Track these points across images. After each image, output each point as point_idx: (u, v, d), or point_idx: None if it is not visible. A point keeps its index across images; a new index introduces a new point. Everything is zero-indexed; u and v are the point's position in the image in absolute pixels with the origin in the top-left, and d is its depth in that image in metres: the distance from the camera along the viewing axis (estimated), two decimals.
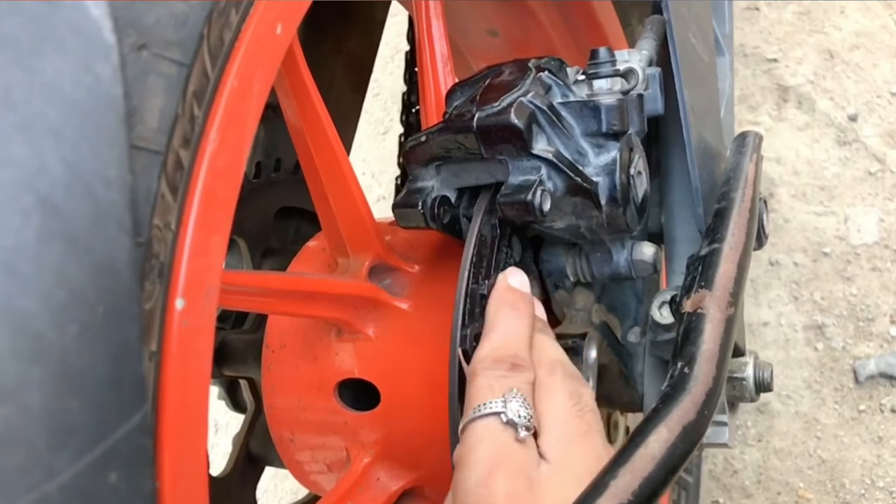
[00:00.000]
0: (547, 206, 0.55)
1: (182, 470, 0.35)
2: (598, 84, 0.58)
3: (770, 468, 1.31)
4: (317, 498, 0.90)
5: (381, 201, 1.53)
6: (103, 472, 0.25)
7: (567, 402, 0.51)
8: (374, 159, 1.67)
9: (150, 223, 0.32)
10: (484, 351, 0.53)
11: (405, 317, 0.65)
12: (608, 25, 0.93)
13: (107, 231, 0.26)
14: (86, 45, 0.26)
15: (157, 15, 0.32)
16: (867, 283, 1.38)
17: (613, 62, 0.59)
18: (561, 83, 0.58)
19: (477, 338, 0.55)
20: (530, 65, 0.59)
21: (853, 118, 1.48)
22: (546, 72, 0.58)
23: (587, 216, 0.57)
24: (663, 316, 0.62)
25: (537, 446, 0.48)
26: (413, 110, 1.01)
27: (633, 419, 0.95)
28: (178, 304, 0.36)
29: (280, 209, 0.91)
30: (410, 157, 0.61)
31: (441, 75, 0.76)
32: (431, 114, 0.75)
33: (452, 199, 0.61)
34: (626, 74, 0.59)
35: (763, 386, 0.65)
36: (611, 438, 0.80)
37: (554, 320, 0.65)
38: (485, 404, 0.48)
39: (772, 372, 0.65)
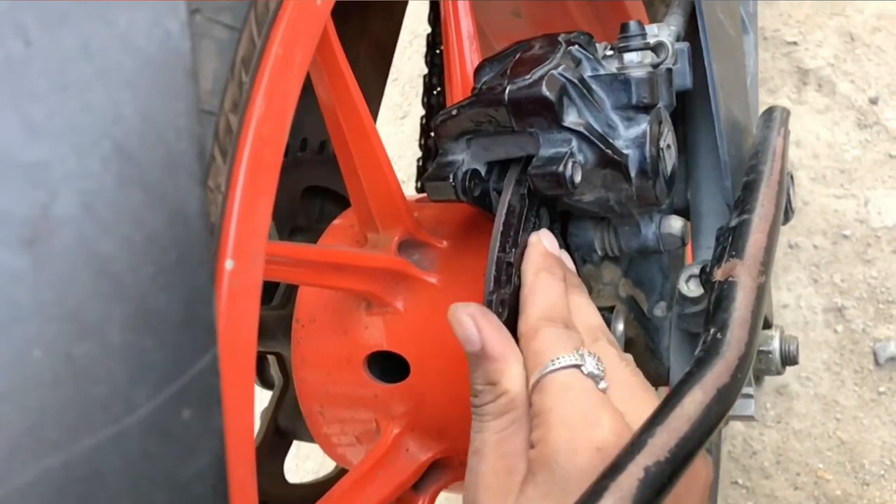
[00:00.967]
0: (578, 178, 0.56)
1: (230, 435, 0.36)
2: (629, 57, 0.59)
3: (789, 449, 1.32)
4: (342, 473, 0.92)
5: (401, 184, 1.54)
6: (178, 407, 0.26)
7: (620, 363, 0.52)
8: (392, 143, 1.68)
9: (206, 183, 0.33)
10: (535, 312, 0.53)
11: (434, 290, 0.66)
12: (632, 6, 0.94)
13: (178, 179, 0.27)
14: (156, 1, 0.27)
15: None
16: (887, 266, 1.38)
17: (643, 36, 0.59)
18: (591, 57, 0.59)
19: (503, 303, 0.55)
20: (560, 39, 0.60)
21: (874, 101, 1.48)
22: (576, 46, 0.59)
23: (617, 189, 0.58)
24: (691, 289, 0.62)
25: None
26: (434, 92, 1.02)
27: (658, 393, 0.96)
28: (228, 265, 0.37)
29: (306, 188, 0.92)
30: (441, 130, 0.62)
31: (467, 54, 0.76)
32: (457, 93, 0.75)
33: (483, 173, 0.62)
34: (656, 48, 0.59)
35: (789, 359, 0.66)
36: None
37: None
38: (560, 357, 0.49)
39: (798, 345, 0.66)
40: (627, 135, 0.58)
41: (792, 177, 0.66)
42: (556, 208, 0.63)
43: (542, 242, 0.57)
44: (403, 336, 0.66)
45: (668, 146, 0.60)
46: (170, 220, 0.26)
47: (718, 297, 0.50)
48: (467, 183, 0.60)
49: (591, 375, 0.49)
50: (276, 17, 0.40)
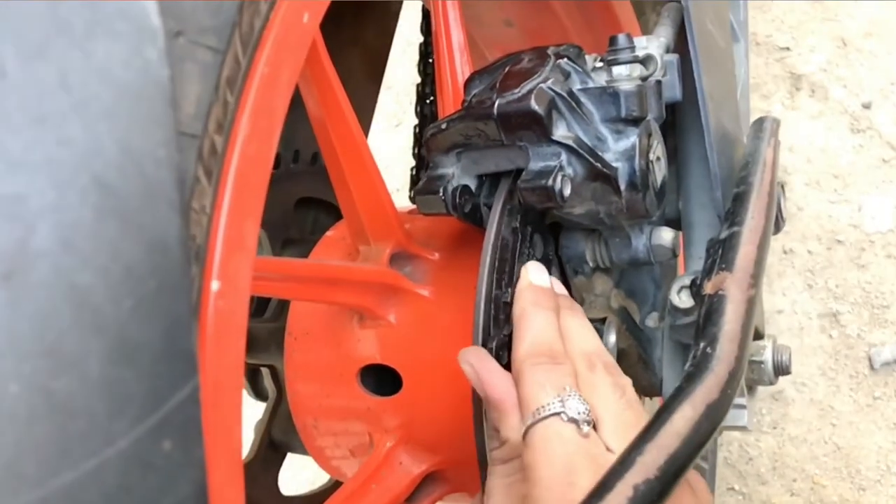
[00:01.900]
0: (567, 192, 0.56)
1: (217, 452, 0.36)
2: (617, 70, 0.59)
3: (785, 455, 1.32)
4: (338, 484, 0.92)
5: (394, 193, 1.54)
6: (158, 439, 0.26)
7: (614, 394, 0.51)
8: (386, 152, 1.68)
9: (189, 206, 0.33)
10: (521, 352, 0.53)
11: (426, 303, 0.66)
12: (623, 15, 0.94)
13: (158, 209, 0.27)
14: (135, 29, 0.27)
15: (194, 3, 0.33)
16: (882, 271, 1.38)
17: (632, 48, 0.59)
18: (580, 70, 0.59)
19: (503, 347, 0.55)
20: (549, 52, 0.60)
21: (867, 106, 1.48)
22: (565, 59, 0.59)
23: (607, 201, 0.58)
24: (682, 300, 0.62)
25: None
26: (427, 101, 1.02)
27: (649, 404, 0.96)
28: (214, 286, 0.37)
29: (299, 200, 0.92)
30: (431, 144, 0.62)
31: (458, 65, 0.76)
32: (448, 103, 0.75)
33: (473, 188, 0.62)
34: (645, 61, 0.59)
35: (782, 369, 0.66)
36: None
37: None
38: (543, 406, 0.49)
39: (790, 355, 0.66)
40: (617, 148, 0.58)
41: (783, 187, 0.66)
42: (548, 232, 0.63)
43: (528, 276, 0.57)
44: (396, 349, 0.66)
45: (658, 158, 0.60)
46: (149, 251, 0.26)
47: (708, 310, 0.50)
48: (457, 199, 0.60)
49: (572, 421, 0.48)
50: (261, 37, 0.40)
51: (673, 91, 0.62)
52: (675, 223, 0.70)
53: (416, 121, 1.02)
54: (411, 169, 1.05)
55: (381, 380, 0.67)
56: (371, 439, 0.68)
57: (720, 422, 0.44)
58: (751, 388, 0.66)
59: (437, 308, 0.65)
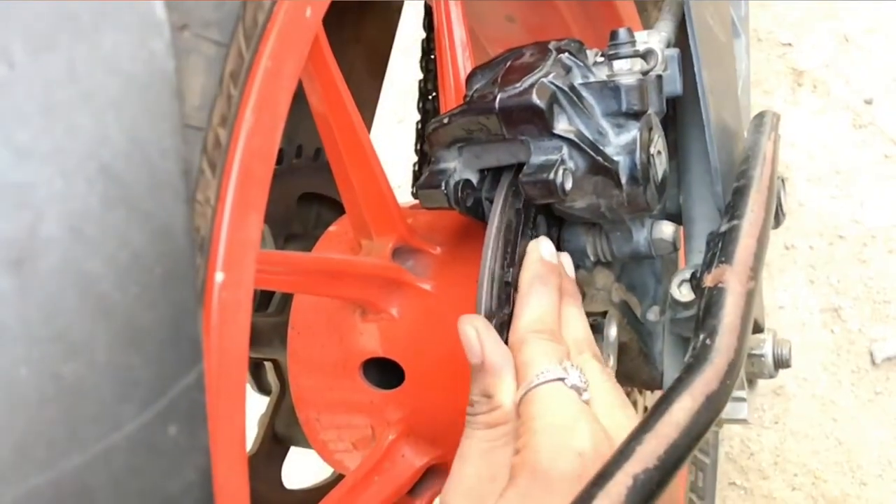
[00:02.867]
0: (569, 185, 0.56)
1: (221, 441, 0.37)
2: (618, 65, 0.59)
3: (787, 450, 1.32)
4: (341, 478, 0.92)
5: (397, 189, 1.54)
6: (164, 424, 0.26)
7: (601, 375, 0.53)
8: (389, 148, 1.68)
9: (193, 197, 0.33)
10: (525, 322, 0.55)
11: (428, 297, 0.66)
12: (624, 10, 0.94)
13: (163, 198, 0.27)
14: (141, 21, 0.27)
15: None
16: (883, 266, 1.38)
17: (633, 43, 0.60)
18: (581, 64, 0.59)
19: (503, 325, 0.56)
20: (551, 47, 0.60)
21: (869, 102, 1.48)
22: (566, 53, 0.59)
23: (608, 195, 0.58)
24: (683, 294, 0.63)
25: None
26: (430, 97, 1.02)
27: (651, 398, 0.96)
28: (218, 277, 0.37)
29: (301, 195, 0.93)
30: (433, 139, 0.62)
31: (460, 60, 0.77)
32: (450, 99, 0.76)
33: (475, 182, 0.62)
34: (646, 55, 0.60)
35: (782, 362, 0.66)
36: None
37: None
38: (546, 371, 0.50)
39: (790, 349, 0.66)
40: (618, 142, 0.58)
41: (783, 181, 0.66)
42: (552, 216, 0.64)
43: (539, 250, 0.58)
44: (398, 343, 0.66)
45: (659, 152, 0.60)
46: (155, 239, 0.27)
47: (708, 303, 0.50)
48: (459, 193, 0.60)
49: (574, 387, 0.50)
50: (264, 31, 0.41)
51: (673, 85, 0.62)
52: (676, 217, 0.71)
53: (418, 117, 1.03)
54: (414, 164, 1.06)
55: (384, 373, 0.67)
56: (373, 432, 0.68)
57: (719, 413, 0.44)
58: (751, 382, 0.66)
59: (439, 302, 0.66)
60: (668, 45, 0.63)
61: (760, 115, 0.68)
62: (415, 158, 1.05)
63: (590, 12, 0.93)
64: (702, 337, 0.48)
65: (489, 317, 0.55)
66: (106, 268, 0.25)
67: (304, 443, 0.82)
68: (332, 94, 0.60)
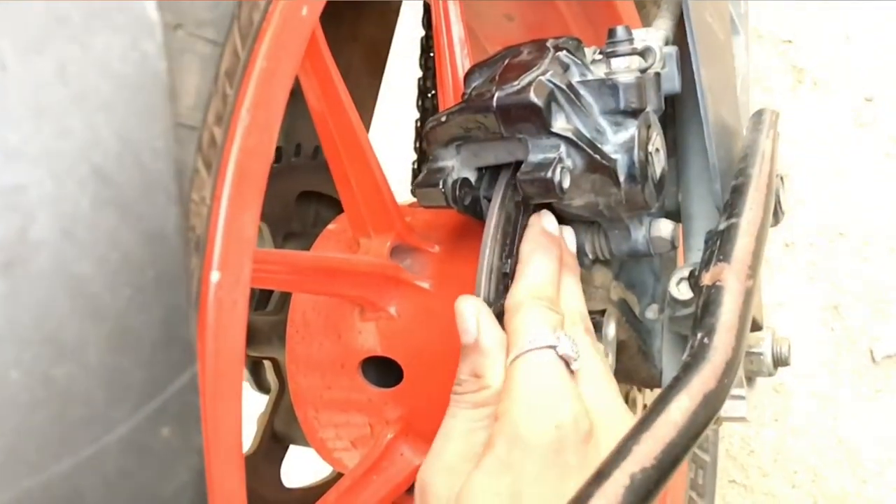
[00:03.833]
0: (567, 184, 0.56)
1: (217, 442, 0.37)
2: (616, 62, 0.59)
3: (787, 447, 1.32)
4: (339, 476, 0.92)
5: (396, 186, 1.54)
6: (157, 426, 0.26)
7: (591, 349, 0.54)
8: (387, 146, 1.68)
9: (188, 197, 0.33)
10: (523, 287, 0.55)
11: (426, 295, 0.66)
12: (623, 8, 0.94)
13: (155, 199, 0.27)
14: (133, 22, 0.27)
15: None
16: (884, 264, 1.38)
17: (631, 41, 0.59)
18: (579, 62, 0.59)
19: (499, 316, 0.56)
20: (548, 45, 0.60)
21: (869, 99, 1.48)
22: (564, 51, 0.59)
23: (606, 193, 0.58)
24: (681, 292, 0.62)
25: None
26: (429, 95, 1.02)
27: (650, 396, 0.96)
28: (213, 276, 0.37)
29: (300, 193, 0.93)
30: (431, 137, 0.62)
31: (458, 58, 0.76)
32: (449, 97, 0.76)
33: (473, 181, 0.62)
34: (644, 53, 0.60)
35: (781, 361, 0.66)
36: None
37: None
38: (537, 337, 0.51)
39: (789, 347, 0.66)
40: (616, 140, 0.58)
41: (782, 179, 0.66)
42: (551, 211, 0.64)
43: (542, 222, 0.59)
44: (397, 341, 0.66)
45: (657, 150, 0.60)
46: (147, 241, 0.27)
47: (706, 301, 0.50)
48: (457, 192, 0.60)
49: (564, 357, 0.50)
50: (260, 30, 0.41)
51: (672, 83, 0.62)
52: (675, 215, 0.71)
53: (417, 115, 1.03)
54: (413, 163, 1.05)
55: (382, 372, 0.67)
56: (372, 431, 0.68)
57: (717, 411, 0.44)
58: (750, 380, 0.66)
59: (438, 300, 0.66)
60: (666, 43, 0.63)
61: (759, 113, 0.68)
62: (414, 156, 1.05)
63: (589, 10, 0.93)
64: (700, 335, 0.47)
65: (496, 308, 0.56)
66: (97, 270, 0.25)
67: (303, 441, 0.82)
68: (329, 93, 0.60)
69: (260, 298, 0.86)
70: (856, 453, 1.29)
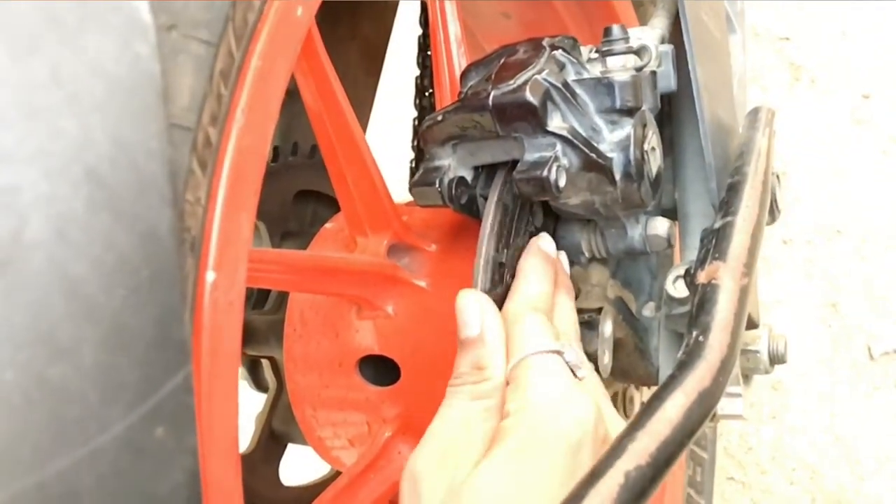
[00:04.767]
0: (563, 182, 0.56)
1: (213, 441, 0.37)
2: (612, 61, 0.59)
3: (785, 445, 1.32)
4: (338, 475, 0.92)
5: (395, 185, 1.54)
6: (151, 425, 0.26)
7: (590, 365, 0.55)
8: (386, 145, 1.68)
9: (183, 197, 0.33)
10: (523, 299, 0.56)
11: (423, 294, 0.66)
12: (620, 7, 0.94)
13: (149, 200, 0.27)
14: (126, 24, 0.27)
15: None
16: (881, 261, 1.38)
17: (627, 39, 0.60)
18: (575, 61, 0.59)
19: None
20: (544, 43, 0.60)
21: (867, 97, 1.48)
22: (560, 50, 0.59)
23: (602, 192, 0.58)
24: (678, 290, 0.62)
25: None
26: (426, 94, 1.02)
27: (648, 394, 0.96)
28: (209, 277, 0.37)
29: (297, 192, 0.93)
30: (427, 136, 0.62)
31: (455, 57, 0.76)
32: (445, 96, 0.76)
33: (469, 179, 0.62)
34: (640, 51, 0.60)
35: (777, 358, 0.66)
36: (626, 413, 0.82)
37: None
38: (543, 343, 0.52)
39: (786, 344, 0.66)
40: (612, 138, 0.58)
41: (778, 177, 0.66)
42: (548, 210, 0.64)
43: (539, 243, 0.60)
44: (394, 340, 0.66)
45: (653, 149, 0.60)
46: (140, 242, 0.27)
47: (701, 299, 0.50)
48: (454, 191, 0.60)
49: (571, 364, 0.51)
50: (254, 31, 0.41)
51: (668, 81, 0.62)
52: (672, 213, 0.71)
53: (415, 113, 1.03)
54: (410, 162, 1.05)
55: (380, 370, 0.67)
56: (369, 429, 0.68)
57: (712, 409, 0.44)
58: (747, 377, 0.66)
59: (434, 299, 0.66)
60: (662, 42, 0.63)
61: (755, 111, 0.68)
62: (411, 155, 1.05)
63: (586, 8, 0.93)
64: (695, 334, 0.48)
65: (493, 295, 0.56)
66: (92, 271, 0.25)
67: (301, 440, 0.82)
68: (326, 92, 0.60)
69: (258, 298, 0.86)
70: (854, 450, 1.29)
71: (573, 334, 0.57)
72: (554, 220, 0.65)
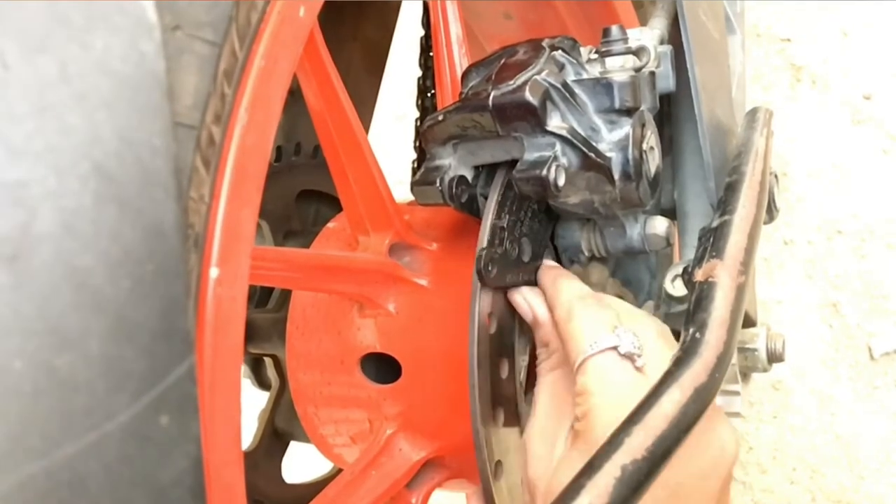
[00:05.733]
0: (562, 181, 0.57)
1: (216, 434, 0.37)
2: (611, 62, 0.59)
3: (785, 444, 1.33)
4: (339, 472, 0.93)
5: (397, 185, 1.55)
6: (156, 414, 0.27)
7: (657, 338, 0.55)
8: (389, 144, 1.68)
9: (187, 194, 0.34)
10: (565, 296, 0.57)
11: (424, 293, 0.67)
12: (620, 7, 0.94)
13: (155, 195, 0.28)
14: (132, 24, 0.28)
15: None
16: (882, 261, 1.38)
17: (626, 40, 0.60)
18: (574, 61, 0.60)
19: (493, 262, 0.57)
20: (544, 44, 0.60)
21: (868, 97, 1.48)
22: (559, 51, 0.60)
23: (601, 191, 0.59)
24: (676, 288, 0.63)
25: None
26: (429, 94, 1.03)
27: None
28: (212, 273, 0.38)
29: (300, 192, 0.93)
30: (428, 135, 0.63)
31: (456, 58, 0.77)
32: (447, 96, 0.76)
33: (469, 179, 0.63)
34: (638, 52, 0.60)
35: (775, 356, 0.67)
36: None
37: None
38: (597, 341, 0.52)
39: (784, 343, 0.67)
40: (611, 138, 0.59)
41: (776, 176, 0.66)
42: (548, 209, 0.65)
43: (547, 262, 0.63)
44: (395, 338, 0.67)
45: (652, 148, 0.61)
46: (146, 235, 0.28)
47: (698, 297, 0.51)
48: (454, 189, 0.61)
49: (627, 356, 0.52)
50: (258, 31, 0.41)
51: (666, 82, 0.62)
52: (671, 212, 0.71)
53: (417, 113, 1.03)
54: (413, 161, 1.06)
55: (381, 368, 0.68)
56: (371, 427, 0.69)
57: (708, 405, 0.45)
58: (745, 376, 0.67)
59: (436, 297, 0.66)
60: (661, 43, 0.63)
61: (753, 112, 0.68)
62: (414, 155, 1.05)
63: (586, 9, 0.94)
64: (692, 331, 0.48)
65: (481, 252, 0.57)
66: (98, 263, 0.26)
67: (303, 437, 0.83)
68: (328, 93, 0.61)
69: (261, 296, 0.87)
70: (854, 450, 1.29)
71: (624, 312, 0.57)
72: (553, 219, 0.66)
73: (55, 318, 0.25)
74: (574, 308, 0.55)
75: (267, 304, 0.87)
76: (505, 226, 0.59)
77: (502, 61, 0.61)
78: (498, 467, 0.60)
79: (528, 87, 0.56)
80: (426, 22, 1.00)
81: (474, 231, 0.61)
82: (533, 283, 0.61)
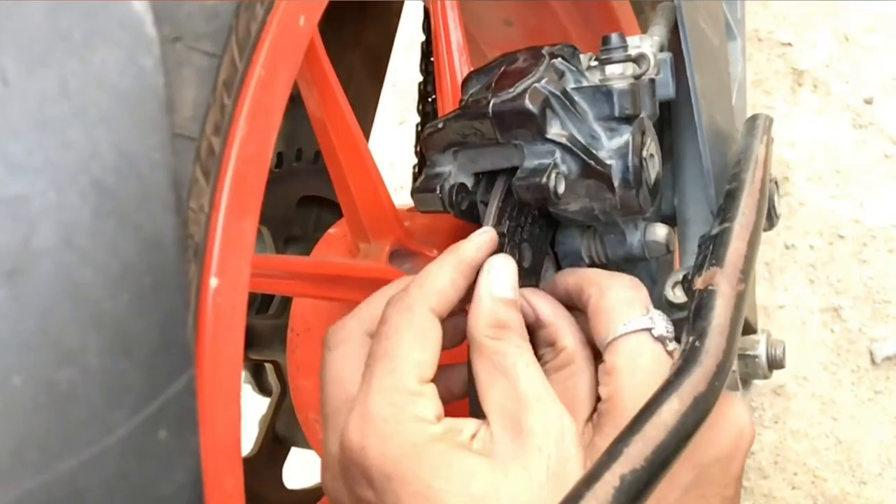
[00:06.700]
0: (562, 189, 0.57)
1: (216, 444, 0.37)
2: (611, 69, 0.59)
3: (786, 449, 1.33)
4: None
5: (399, 190, 1.55)
6: (155, 428, 0.27)
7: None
8: (390, 149, 1.69)
9: (187, 205, 0.34)
10: (598, 274, 0.57)
11: None
12: (621, 13, 0.94)
13: (153, 209, 0.28)
14: (130, 38, 0.28)
15: (189, 9, 0.35)
16: (884, 266, 1.38)
17: (625, 48, 0.60)
18: (574, 69, 0.60)
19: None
20: (544, 52, 0.61)
21: (869, 101, 1.48)
22: (559, 58, 0.60)
23: (601, 198, 0.59)
24: (677, 295, 0.63)
25: None
26: (429, 100, 1.03)
27: None
28: (212, 282, 0.38)
29: (301, 198, 0.94)
30: (428, 143, 0.63)
31: (457, 64, 0.77)
32: (448, 102, 0.76)
33: (469, 186, 0.63)
34: (638, 59, 0.60)
35: (776, 363, 0.67)
36: None
37: None
38: (631, 320, 0.52)
39: (784, 349, 0.67)
40: (610, 145, 0.59)
41: (776, 183, 0.66)
42: (548, 216, 0.65)
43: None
44: None
45: (652, 156, 0.61)
46: (145, 249, 0.28)
47: (698, 305, 0.51)
48: (454, 197, 0.61)
49: (660, 338, 0.51)
50: (257, 41, 0.42)
51: (666, 89, 0.62)
52: (671, 219, 0.71)
53: (418, 119, 1.03)
54: (414, 167, 1.06)
55: None
56: None
57: (708, 414, 0.45)
58: (746, 382, 0.67)
59: None
60: (661, 49, 0.64)
61: (753, 118, 0.68)
62: (415, 160, 1.06)
63: (587, 15, 0.94)
64: (691, 339, 0.48)
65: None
66: (98, 277, 0.26)
67: (304, 443, 0.83)
68: (328, 100, 0.61)
69: (261, 303, 0.87)
70: (856, 455, 1.29)
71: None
72: (554, 225, 0.66)
73: (54, 332, 0.25)
74: (608, 287, 0.55)
75: (268, 311, 0.87)
76: (505, 231, 0.59)
77: (502, 69, 0.61)
78: None
79: (527, 95, 0.56)
80: (427, 27, 1.01)
81: None
82: (534, 286, 0.61)
